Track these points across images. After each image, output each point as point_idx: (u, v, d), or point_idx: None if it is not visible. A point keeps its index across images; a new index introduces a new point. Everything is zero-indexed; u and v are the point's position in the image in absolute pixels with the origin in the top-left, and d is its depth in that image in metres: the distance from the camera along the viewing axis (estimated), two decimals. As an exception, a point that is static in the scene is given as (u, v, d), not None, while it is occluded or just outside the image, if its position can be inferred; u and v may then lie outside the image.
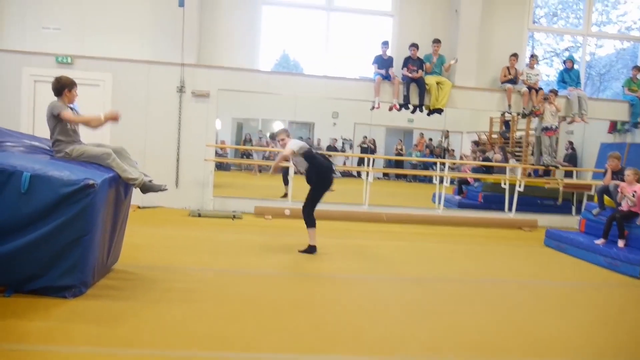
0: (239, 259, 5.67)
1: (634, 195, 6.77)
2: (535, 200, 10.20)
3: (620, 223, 6.74)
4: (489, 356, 3.40)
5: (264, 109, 15.74)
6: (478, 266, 6.19)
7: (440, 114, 9.20)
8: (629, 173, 7.08)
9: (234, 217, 8.17)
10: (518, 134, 12.72)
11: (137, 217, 7.45)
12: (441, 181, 9.23)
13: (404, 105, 9.05)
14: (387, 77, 9.10)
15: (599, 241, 6.88)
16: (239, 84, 9.04)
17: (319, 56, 10.10)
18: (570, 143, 13.40)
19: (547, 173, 10.06)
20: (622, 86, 9.99)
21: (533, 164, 10.08)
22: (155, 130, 8.73)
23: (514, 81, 9.38)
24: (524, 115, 9.51)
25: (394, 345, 3.47)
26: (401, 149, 16.41)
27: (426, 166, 14.79)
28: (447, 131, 14.81)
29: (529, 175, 10.67)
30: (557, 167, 9.59)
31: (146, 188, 4.56)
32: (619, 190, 7.09)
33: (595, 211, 7.55)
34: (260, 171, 15.72)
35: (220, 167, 15.04)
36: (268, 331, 3.53)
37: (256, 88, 9.15)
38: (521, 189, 9.15)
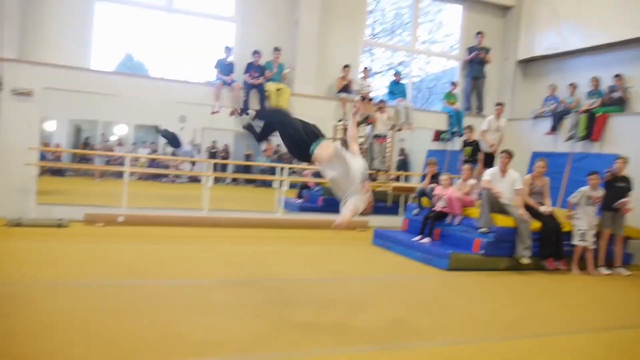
0: (49, 269, 5.31)
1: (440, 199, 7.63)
2: (370, 203, 10.94)
3: (432, 222, 7.52)
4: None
5: (105, 111, 14.89)
6: (307, 265, 6.48)
7: (279, 120, 9.46)
8: (443, 178, 7.93)
9: (60, 225, 7.61)
10: (360, 140, 13.55)
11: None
12: (280, 185, 9.49)
13: (244, 110, 9.18)
14: (229, 82, 9.17)
15: (417, 238, 7.60)
16: (68, 83, 8.46)
17: (163, 58, 9.87)
18: (402, 150, 14.60)
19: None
20: (443, 99, 11.14)
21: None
22: (-34, 131, 7.84)
23: (348, 90, 9.98)
24: (358, 124, 10.14)
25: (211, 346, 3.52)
26: (250, 154, 16.60)
27: (274, 171, 15.11)
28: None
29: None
30: (385, 171, 10.38)
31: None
32: (434, 192, 7.91)
33: (415, 211, 8.33)
34: (101, 176, 14.84)
35: (55, 172, 13.94)
36: (71, 343, 3.38)
37: (89, 88, 8.65)
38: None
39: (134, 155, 14.88)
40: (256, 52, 9.32)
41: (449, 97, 10.92)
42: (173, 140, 13.59)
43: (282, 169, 9.80)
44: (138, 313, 4.06)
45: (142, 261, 5.91)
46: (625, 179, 7.52)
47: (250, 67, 9.31)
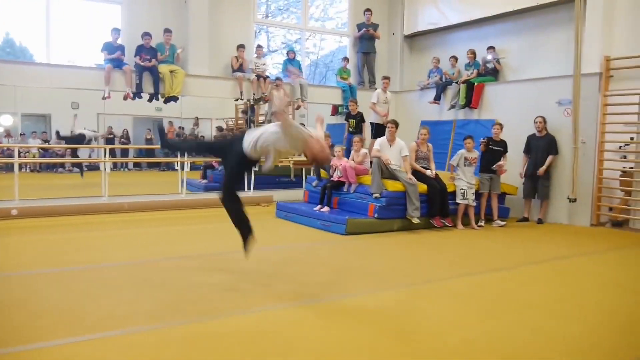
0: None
1: (336, 169, 8.09)
2: (274, 179, 11.26)
3: (330, 191, 7.97)
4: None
5: (-15, 101, 13.90)
6: (212, 241, 6.67)
7: (175, 102, 9.44)
8: (337, 149, 8.38)
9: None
10: (261, 118, 13.73)
11: None
12: (182, 167, 9.52)
13: (137, 94, 9.07)
14: (118, 65, 8.99)
15: (317, 207, 8.02)
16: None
17: (48, 43, 9.43)
18: (302, 125, 14.92)
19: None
20: (336, 75, 11.59)
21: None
22: None
23: (243, 70, 10.12)
24: (255, 102, 10.35)
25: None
26: (151, 139, 16.23)
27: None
28: (197, 118, 15.14)
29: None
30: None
31: None
32: (330, 163, 8.35)
33: (314, 183, 8.74)
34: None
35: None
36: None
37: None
38: (257, 169, 9.97)
39: (23, 146, 14.07)
40: (146, 34, 9.19)
41: (342, 72, 11.37)
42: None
43: (182, 151, 9.79)
44: (41, 299, 4.09)
45: (41, 251, 5.83)
46: (502, 143, 8.38)
47: (140, 50, 9.18)
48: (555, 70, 9.07)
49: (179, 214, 8.74)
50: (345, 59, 11.53)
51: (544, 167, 8.46)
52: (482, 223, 8.13)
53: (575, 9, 8.10)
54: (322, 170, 8.67)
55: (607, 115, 8.25)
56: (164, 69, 9.21)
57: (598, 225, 8.36)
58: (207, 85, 9.84)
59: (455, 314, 3.99)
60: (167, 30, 9.41)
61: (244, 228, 4.65)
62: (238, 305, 4.02)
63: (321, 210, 7.91)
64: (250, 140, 4.42)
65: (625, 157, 8.52)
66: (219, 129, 13.00)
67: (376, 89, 10.71)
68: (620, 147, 8.48)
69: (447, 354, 3.20)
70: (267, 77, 10.33)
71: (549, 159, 8.48)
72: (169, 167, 15.24)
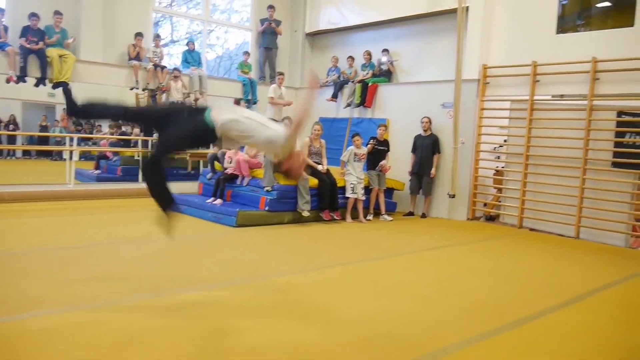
0: None
1: (231, 162, 8.19)
2: (170, 171, 11.10)
3: (223, 184, 8.05)
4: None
5: None
6: (96, 231, 6.53)
7: (65, 88, 9.04)
8: (233, 142, 8.46)
9: None
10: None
11: None
12: (71, 156, 9.16)
13: (22, 77, 8.61)
14: (1, 47, 8.48)
15: (210, 200, 8.07)
16: None
17: None
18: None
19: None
20: (236, 68, 11.63)
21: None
22: None
23: (139, 58, 9.90)
24: (152, 91, 10.16)
25: None
26: (46, 126, 15.36)
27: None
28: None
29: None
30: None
31: None
32: (225, 156, 8.42)
33: (208, 176, 8.78)
34: None
35: None
36: None
37: None
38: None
39: None
40: (33, 15, 8.73)
41: (243, 66, 11.44)
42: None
43: (71, 139, 9.43)
44: None
45: None
46: (385, 143, 8.87)
47: (27, 31, 8.71)
48: (442, 74, 9.69)
49: (67, 205, 8.42)
50: (246, 53, 11.60)
51: (433, 168, 9.04)
52: (370, 217, 8.57)
53: (457, 18, 8.73)
54: (216, 163, 8.71)
55: (484, 118, 8.98)
56: (52, 52, 8.80)
57: (474, 219, 9.09)
58: (100, 72, 9.51)
59: (325, 299, 4.25)
60: (57, 13, 9.00)
61: (165, 200, 3.98)
62: (106, 294, 4.03)
63: (214, 202, 7.97)
64: (225, 118, 3.74)
65: (498, 157, 9.32)
66: (115, 118, 12.52)
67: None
68: (494, 149, 9.27)
69: (311, 336, 3.43)
70: (165, 67, 10.18)
71: (436, 158, 9.08)
72: (62, 156, 14.54)
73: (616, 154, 7.52)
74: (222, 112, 3.79)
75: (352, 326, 3.62)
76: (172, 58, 12.55)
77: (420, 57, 10.57)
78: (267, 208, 7.61)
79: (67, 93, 4.23)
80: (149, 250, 5.61)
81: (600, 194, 7.66)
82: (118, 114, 4.21)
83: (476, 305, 4.30)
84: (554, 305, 4.39)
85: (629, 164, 7.36)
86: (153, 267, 4.97)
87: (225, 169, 8.35)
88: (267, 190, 7.68)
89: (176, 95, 10.11)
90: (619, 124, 7.54)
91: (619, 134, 7.52)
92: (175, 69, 10.24)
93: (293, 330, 3.50)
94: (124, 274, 4.71)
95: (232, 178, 8.21)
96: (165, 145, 3.97)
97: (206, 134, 3.78)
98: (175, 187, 9.82)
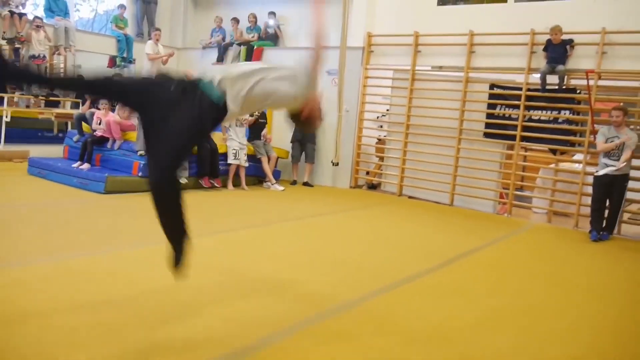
0: None
1: (100, 123, 7.50)
2: (35, 133, 10.01)
3: (90, 147, 7.36)
4: None
5: None
6: None
7: None
8: (103, 102, 7.75)
9: None
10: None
11: None
12: None
13: None
14: None
15: (77, 164, 7.34)
16: None
17: None
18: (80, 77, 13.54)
19: (53, 104, 9.93)
20: (110, 22, 10.67)
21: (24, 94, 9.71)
22: None
23: (-6, 3, 8.71)
24: (10, 41, 8.99)
25: None
26: None
27: None
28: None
29: (28, 106, 10.26)
30: (45, 97, 9.51)
31: None
32: (95, 117, 7.69)
33: (75, 138, 7.99)
34: None
35: None
36: None
37: None
38: (8, 120, 8.75)
39: None
40: None
41: (118, 20, 10.49)
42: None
43: None
44: None
45: None
46: (263, 115, 8.59)
47: None
48: (329, 41, 9.55)
49: None
50: (122, 7, 10.63)
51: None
52: (273, 184, 8.37)
53: (343, -16, 8.59)
54: (84, 124, 7.94)
55: (368, 87, 9.03)
56: None
57: (356, 187, 9.19)
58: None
59: (192, 269, 3.96)
60: None
61: (180, 238, 2.79)
62: None
63: (80, 167, 7.26)
64: (251, 82, 2.66)
65: (381, 126, 9.45)
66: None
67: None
68: (377, 117, 9.38)
69: (170, 309, 3.15)
70: (24, 14, 9.02)
71: None
72: None
73: (488, 125, 7.90)
74: (238, 79, 2.66)
75: (217, 296, 3.39)
76: (39, 9, 11.20)
77: (308, 22, 10.32)
78: (140, 174, 7.06)
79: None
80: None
81: (473, 162, 8.03)
82: (72, 84, 3.11)
83: (353, 270, 4.26)
84: (427, 268, 4.47)
85: (498, 134, 7.77)
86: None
87: (94, 130, 7.63)
88: (141, 155, 7.12)
89: (38, 48, 9.03)
90: (491, 96, 7.91)
91: (490, 106, 7.90)
92: (36, 17, 9.12)
93: (154, 301, 3.20)
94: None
95: (102, 141, 7.53)
96: (176, 148, 2.58)
97: (216, 117, 2.67)
98: (38, 151, 9.08)
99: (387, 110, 9.21)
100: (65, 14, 9.70)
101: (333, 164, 9.01)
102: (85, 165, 7.30)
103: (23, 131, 9.53)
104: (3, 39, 8.83)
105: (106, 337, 2.67)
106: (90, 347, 2.56)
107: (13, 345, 2.52)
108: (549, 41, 7.15)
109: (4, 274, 3.49)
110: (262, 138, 8.48)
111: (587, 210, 6.57)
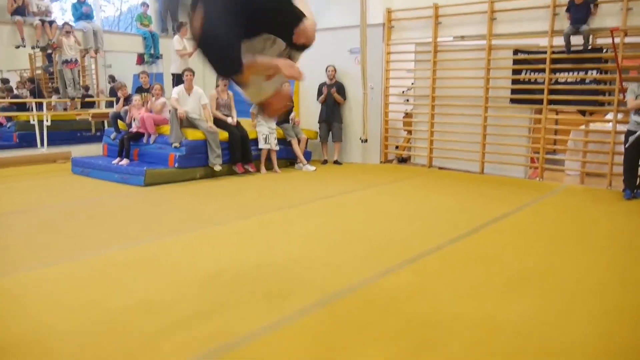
0: None
1: (134, 119, 7.81)
2: (75, 134, 10.47)
3: (127, 143, 7.68)
4: None
5: None
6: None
7: None
8: (136, 98, 8.05)
9: None
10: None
11: None
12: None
13: None
14: None
15: (116, 161, 7.70)
16: None
17: None
18: (111, 77, 14.00)
19: (89, 105, 10.36)
20: (135, 21, 10.95)
21: (61, 98, 10.16)
22: None
23: (23, 13, 9.06)
24: (43, 49, 9.39)
25: None
26: None
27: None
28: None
29: (65, 109, 10.72)
30: (80, 99, 9.93)
31: None
32: (128, 114, 8.02)
33: (112, 135, 8.34)
34: None
35: None
36: None
37: None
38: (49, 124, 9.19)
39: None
40: None
41: (142, 18, 10.77)
42: None
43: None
44: None
45: None
46: (290, 99, 8.75)
47: None
48: (348, 20, 9.60)
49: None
50: (145, 5, 10.91)
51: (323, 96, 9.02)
52: (305, 165, 8.59)
53: (360, -39, 8.60)
54: (120, 122, 8.28)
55: (391, 62, 9.06)
56: None
57: (386, 162, 9.30)
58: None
59: (232, 251, 4.21)
60: None
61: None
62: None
63: (120, 163, 7.61)
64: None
65: (407, 100, 9.50)
66: (2, 81, 11.41)
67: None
68: (402, 92, 9.42)
69: (218, 286, 3.39)
70: (53, 21, 9.38)
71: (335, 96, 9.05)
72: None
73: (514, 91, 7.86)
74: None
75: (257, 275, 3.62)
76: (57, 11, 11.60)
77: (327, 2, 10.36)
78: (176, 165, 7.36)
79: None
80: (46, 219, 5.28)
81: (501, 130, 8.03)
82: None
83: (381, 245, 4.41)
84: (455, 236, 4.60)
85: (525, 100, 7.73)
86: (50, 235, 4.69)
87: (130, 127, 7.96)
88: (175, 147, 7.41)
89: (69, 53, 9.40)
90: (515, 61, 7.85)
91: (515, 72, 7.85)
92: (65, 23, 9.47)
93: (198, 285, 3.45)
94: (15, 244, 4.42)
95: (138, 136, 7.84)
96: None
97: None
98: (78, 151, 9.50)
99: (412, 84, 9.24)
100: (90, 17, 9.99)
101: (362, 141, 9.13)
102: (125, 161, 7.64)
103: (63, 133, 10.01)
104: (37, 47, 9.22)
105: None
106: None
107: (88, 329, 2.80)
108: (571, 2, 7.04)
109: (70, 265, 3.81)
110: (290, 121, 8.69)
111: (620, 170, 6.52)
